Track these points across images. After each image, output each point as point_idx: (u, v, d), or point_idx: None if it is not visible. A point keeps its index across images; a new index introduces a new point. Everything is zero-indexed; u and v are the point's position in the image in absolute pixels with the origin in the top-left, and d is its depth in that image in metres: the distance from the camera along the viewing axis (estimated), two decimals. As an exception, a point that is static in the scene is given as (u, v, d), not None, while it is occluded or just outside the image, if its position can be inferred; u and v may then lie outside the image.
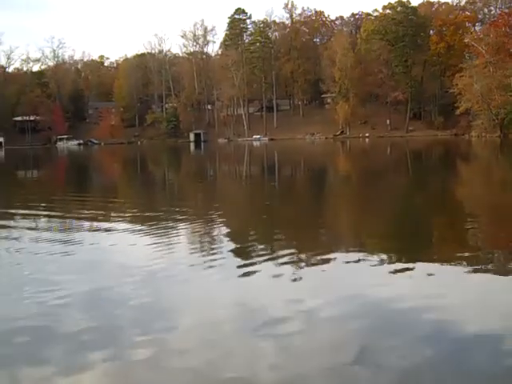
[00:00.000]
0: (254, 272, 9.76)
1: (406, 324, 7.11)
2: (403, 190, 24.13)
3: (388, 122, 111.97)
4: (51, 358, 6.29)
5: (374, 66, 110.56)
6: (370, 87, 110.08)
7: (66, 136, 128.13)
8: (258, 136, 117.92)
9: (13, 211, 19.01)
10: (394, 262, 10.28)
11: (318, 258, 10.81)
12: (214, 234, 13.85)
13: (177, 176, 39.05)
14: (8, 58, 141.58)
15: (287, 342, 6.59)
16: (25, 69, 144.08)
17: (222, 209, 18.60)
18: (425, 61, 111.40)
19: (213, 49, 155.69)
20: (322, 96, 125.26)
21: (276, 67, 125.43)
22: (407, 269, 9.72)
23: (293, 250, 11.40)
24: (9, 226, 15.50)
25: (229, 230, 14.44)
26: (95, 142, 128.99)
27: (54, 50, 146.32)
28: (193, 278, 9.57)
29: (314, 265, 10.33)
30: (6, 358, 6.33)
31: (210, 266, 10.24)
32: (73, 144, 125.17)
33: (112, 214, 17.73)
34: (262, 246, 12.05)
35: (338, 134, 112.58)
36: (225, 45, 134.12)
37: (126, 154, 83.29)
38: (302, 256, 11.01)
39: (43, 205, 20.73)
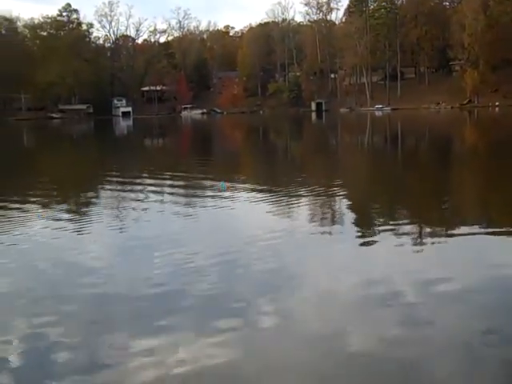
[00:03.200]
0: (375, 242, 9.81)
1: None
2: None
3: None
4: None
5: (507, 29, 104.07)
6: (502, 53, 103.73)
7: (190, 105, 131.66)
8: (381, 105, 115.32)
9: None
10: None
11: (442, 230, 10.60)
12: (336, 203, 13.94)
13: (298, 145, 39.19)
14: (137, 30, 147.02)
15: (411, 314, 6.56)
16: (152, 40, 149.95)
17: (343, 178, 18.57)
18: None
19: (336, 16, 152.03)
20: (450, 63, 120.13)
21: (401, 34, 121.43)
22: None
23: (416, 221, 11.33)
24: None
25: (350, 200, 14.49)
26: (218, 111, 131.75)
27: (180, 21, 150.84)
28: (313, 246, 9.79)
29: (437, 237, 10.18)
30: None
31: (331, 234, 10.39)
32: (196, 113, 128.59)
33: (235, 184, 18.25)
34: (383, 217, 12.09)
35: (465, 103, 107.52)
36: (349, 12, 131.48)
37: (249, 123, 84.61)
38: (426, 228, 10.88)
39: (168, 173, 21.74)
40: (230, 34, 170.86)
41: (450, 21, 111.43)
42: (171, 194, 16.22)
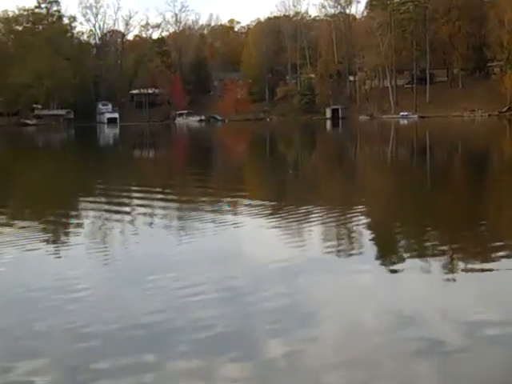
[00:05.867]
0: (403, 271, 9.79)
1: None
2: None
3: None
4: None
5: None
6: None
7: (186, 111, 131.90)
8: (406, 113, 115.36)
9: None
10: None
11: (476, 259, 10.53)
12: (356, 227, 13.86)
13: (311, 160, 39.15)
14: (127, 25, 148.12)
15: (447, 363, 6.38)
16: (144, 36, 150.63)
17: (364, 198, 18.50)
18: None
19: (356, 10, 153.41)
20: (487, 65, 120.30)
21: (431, 31, 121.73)
22: None
23: (446, 248, 11.30)
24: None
25: (372, 224, 14.48)
26: (218, 118, 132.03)
27: (176, 15, 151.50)
28: (331, 276, 9.73)
29: (470, 267, 10.17)
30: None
31: (351, 262, 10.34)
32: (193, 120, 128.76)
33: (238, 204, 18.06)
34: (411, 243, 12.11)
35: (504, 110, 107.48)
36: (370, 5, 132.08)
37: (254, 132, 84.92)
38: (458, 256, 10.84)
39: (161, 191, 21.75)
40: (235, 30, 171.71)
41: (488, 16, 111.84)
42: (163, 215, 16.24)
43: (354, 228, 13.78)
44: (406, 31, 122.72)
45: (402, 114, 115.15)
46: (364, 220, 14.87)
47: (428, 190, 21.29)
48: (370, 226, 14.06)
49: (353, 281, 9.54)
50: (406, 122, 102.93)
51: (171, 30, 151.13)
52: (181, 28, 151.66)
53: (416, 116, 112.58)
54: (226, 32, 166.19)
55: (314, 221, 14.47)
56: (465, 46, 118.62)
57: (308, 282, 9.46)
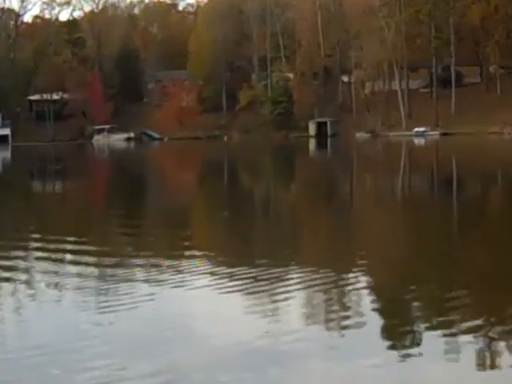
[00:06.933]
0: (419, 357, 10.03)
1: None
2: None
3: None
4: None
5: None
6: None
7: (107, 126, 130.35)
8: (423, 128, 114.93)
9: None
10: None
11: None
12: (354, 296, 14.13)
13: (288, 198, 39.13)
14: (22, 1, 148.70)
15: None
16: (48, 17, 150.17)
17: (364, 255, 18.57)
18: None
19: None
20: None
21: (456, 11, 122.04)
22: None
23: (480, 325, 11.63)
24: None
25: (376, 292, 14.70)
26: (154, 135, 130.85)
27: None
28: (319, 362, 9.90)
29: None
30: None
31: (345, 345, 10.56)
32: (118, 138, 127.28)
33: (185, 264, 18.24)
34: (429, 319, 12.37)
35: None
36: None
37: (205, 156, 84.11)
38: (497, 338, 11.10)
39: (71, 243, 21.82)
40: (179, 9, 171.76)
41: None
42: (75, 274, 16.42)
43: (350, 298, 14.00)
44: (422, 12, 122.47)
45: (416, 129, 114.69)
46: (364, 284, 15.12)
47: (454, 245, 21.41)
48: (372, 292, 14.31)
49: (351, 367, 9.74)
50: (422, 141, 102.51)
51: (86, 8, 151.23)
52: (100, 5, 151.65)
53: (437, 133, 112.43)
54: (165, 12, 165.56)
55: (290, 285, 14.69)
56: (504, 34, 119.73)
57: (288, 373, 9.58)
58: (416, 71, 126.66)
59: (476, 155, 69.52)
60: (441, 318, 12.13)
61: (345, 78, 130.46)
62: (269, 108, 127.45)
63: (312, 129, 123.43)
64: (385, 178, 48.40)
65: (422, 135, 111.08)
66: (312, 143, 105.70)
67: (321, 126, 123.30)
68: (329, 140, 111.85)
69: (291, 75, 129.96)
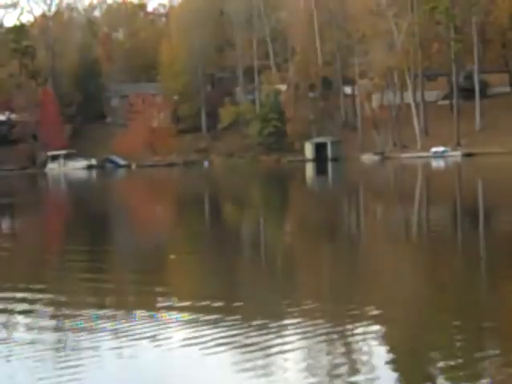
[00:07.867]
0: None
1: None
2: None
3: None
4: None
5: None
6: None
7: (64, 151, 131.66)
8: (442, 148, 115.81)
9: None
10: None
11: None
12: (365, 356, 14.19)
13: (281, 235, 38.96)
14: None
15: None
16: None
17: (375, 305, 18.51)
18: None
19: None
20: None
21: (480, 8, 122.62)
22: None
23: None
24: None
25: (392, 350, 14.64)
26: (120, 162, 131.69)
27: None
28: None
29: None
30: None
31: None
32: (77, 167, 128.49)
33: (160, 315, 18.23)
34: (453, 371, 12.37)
35: None
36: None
37: (181, 187, 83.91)
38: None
39: (23, 290, 21.85)
40: (147, 11, 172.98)
41: None
42: (27, 326, 16.66)
43: (361, 357, 14.01)
44: (438, 10, 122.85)
45: (434, 150, 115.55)
46: (375, 345, 14.96)
47: (483, 292, 21.40)
48: (386, 357, 14.18)
49: None
50: (441, 164, 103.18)
51: (37, 11, 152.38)
52: (54, 8, 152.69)
53: (458, 153, 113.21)
54: (131, 15, 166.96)
55: (285, 344, 14.68)
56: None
57: None
58: (433, 80, 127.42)
59: (507, 181, 69.02)
60: (462, 373, 12.22)
61: (347, 90, 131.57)
62: (257, 127, 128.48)
63: (309, 151, 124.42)
64: (397, 210, 47.97)
65: (440, 156, 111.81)
66: (309, 169, 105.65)
67: (319, 148, 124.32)
68: (329, 164, 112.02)
69: (283, 87, 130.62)
